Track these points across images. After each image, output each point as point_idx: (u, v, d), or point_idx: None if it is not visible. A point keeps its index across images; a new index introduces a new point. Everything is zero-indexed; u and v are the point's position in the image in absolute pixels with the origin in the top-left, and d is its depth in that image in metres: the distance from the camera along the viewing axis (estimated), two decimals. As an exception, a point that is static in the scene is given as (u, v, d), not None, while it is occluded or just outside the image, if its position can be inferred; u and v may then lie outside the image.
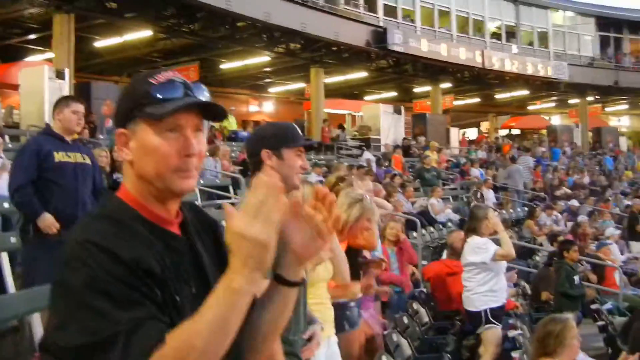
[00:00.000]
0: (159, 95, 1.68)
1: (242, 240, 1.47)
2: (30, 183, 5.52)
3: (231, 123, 24.29)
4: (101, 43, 24.46)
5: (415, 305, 7.81)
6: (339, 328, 5.21)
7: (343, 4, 25.88)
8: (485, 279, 6.90)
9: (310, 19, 23.37)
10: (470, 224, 7.18)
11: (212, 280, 1.73)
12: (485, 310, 6.82)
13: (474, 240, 6.96)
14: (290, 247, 1.68)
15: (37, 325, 4.85)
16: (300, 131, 3.38)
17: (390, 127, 26.81)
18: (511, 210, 18.54)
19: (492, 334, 6.82)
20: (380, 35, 25.65)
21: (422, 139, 26.57)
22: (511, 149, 27.66)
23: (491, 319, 6.80)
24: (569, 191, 22.63)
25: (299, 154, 3.19)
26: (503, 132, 41.49)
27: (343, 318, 5.34)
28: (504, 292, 7.16)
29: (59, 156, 5.49)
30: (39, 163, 5.52)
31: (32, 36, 23.01)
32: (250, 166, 3.35)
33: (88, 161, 5.85)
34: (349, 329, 5.43)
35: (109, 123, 18.97)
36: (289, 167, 3.14)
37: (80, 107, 5.70)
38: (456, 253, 8.59)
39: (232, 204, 7.23)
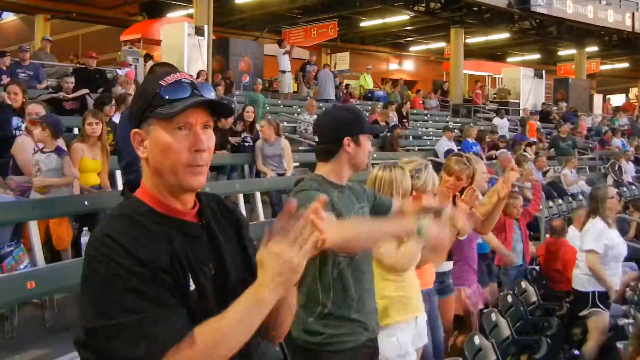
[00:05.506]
0: (167, 96, 1.80)
1: (277, 259, 1.64)
2: None
3: (367, 82, 24.39)
4: (241, -1, 24.93)
5: (524, 284, 7.62)
6: (441, 292, 5.23)
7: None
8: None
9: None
10: (592, 205, 6.84)
11: (229, 261, 1.93)
12: (593, 293, 6.56)
13: (596, 225, 6.65)
14: None
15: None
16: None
17: (531, 91, 26.10)
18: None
19: (597, 319, 6.57)
20: (523, -4, 24.77)
21: (563, 104, 25.69)
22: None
23: (598, 303, 6.54)
24: None
25: (369, 138, 3.37)
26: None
27: (444, 283, 5.38)
28: (617, 279, 6.83)
29: None
30: None
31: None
32: (324, 150, 3.37)
33: None
34: (445, 294, 5.41)
35: (247, 79, 19.45)
36: (364, 152, 3.32)
37: None
38: (556, 232, 8.37)
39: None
